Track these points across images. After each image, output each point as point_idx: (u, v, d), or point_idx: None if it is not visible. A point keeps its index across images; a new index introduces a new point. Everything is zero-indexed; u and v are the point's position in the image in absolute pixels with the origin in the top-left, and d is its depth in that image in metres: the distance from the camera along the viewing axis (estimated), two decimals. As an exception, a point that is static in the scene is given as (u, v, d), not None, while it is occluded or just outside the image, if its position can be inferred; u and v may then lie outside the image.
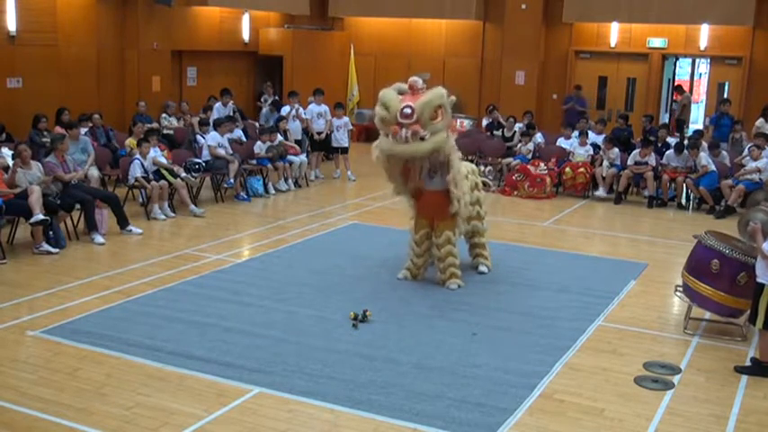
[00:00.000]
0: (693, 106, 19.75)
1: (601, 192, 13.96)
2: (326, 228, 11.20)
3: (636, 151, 13.79)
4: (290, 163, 14.07)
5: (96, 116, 13.58)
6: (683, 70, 20.72)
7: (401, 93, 8.08)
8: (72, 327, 7.08)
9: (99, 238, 10.03)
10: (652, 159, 13.64)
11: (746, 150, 13.43)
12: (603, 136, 14.83)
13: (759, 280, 6.55)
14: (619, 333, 7.42)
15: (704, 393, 6.19)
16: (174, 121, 15.54)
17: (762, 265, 6.50)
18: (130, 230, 10.51)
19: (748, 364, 6.75)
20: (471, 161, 15.08)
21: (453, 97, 8.07)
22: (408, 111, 7.76)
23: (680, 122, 18.38)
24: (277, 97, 17.49)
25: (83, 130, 12.69)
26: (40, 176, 9.78)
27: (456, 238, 8.50)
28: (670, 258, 10.11)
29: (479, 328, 7.38)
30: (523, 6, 18.44)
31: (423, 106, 7.77)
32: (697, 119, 19.87)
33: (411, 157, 8.00)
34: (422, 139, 7.80)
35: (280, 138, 14.01)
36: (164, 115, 15.53)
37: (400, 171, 8.31)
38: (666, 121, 18.62)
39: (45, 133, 12.32)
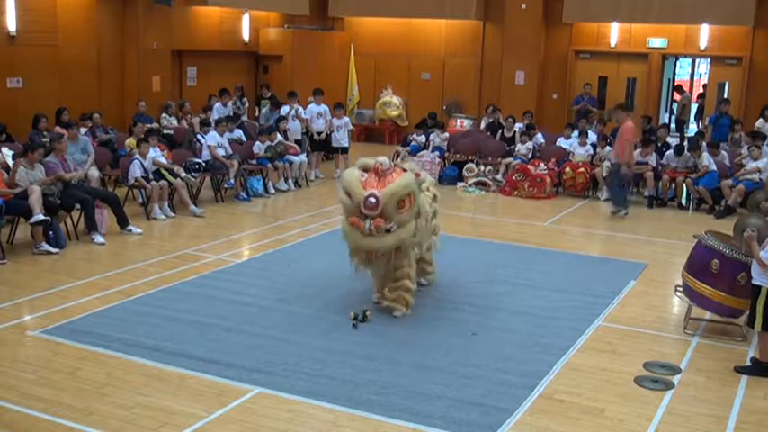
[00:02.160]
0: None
1: (605, 192, 13.97)
2: (326, 228, 11.19)
3: (637, 151, 13.79)
4: (290, 163, 14.07)
5: (96, 116, 13.58)
6: (683, 70, 20.74)
7: (365, 169, 7.34)
8: (72, 327, 7.08)
9: (99, 238, 10.03)
10: (652, 159, 13.65)
11: (746, 150, 13.44)
12: (598, 135, 14.87)
13: (755, 282, 6.57)
14: (619, 333, 7.42)
15: (704, 393, 6.19)
16: (174, 121, 15.54)
17: (757, 267, 6.53)
18: (130, 230, 10.51)
19: (748, 364, 6.75)
20: (471, 161, 15.16)
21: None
22: (373, 201, 7.01)
23: (680, 122, 18.41)
24: (269, 94, 17.43)
25: (83, 130, 12.71)
26: (41, 177, 9.78)
27: (414, 263, 7.76)
28: (670, 258, 10.10)
29: (479, 328, 7.38)
30: (523, 6, 18.44)
31: (389, 197, 7.02)
32: (692, 120, 19.84)
33: (373, 251, 7.28)
34: (387, 231, 7.11)
35: (279, 138, 14.02)
36: (164, 115, 15.54)
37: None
38: (666, 120, 18.65)
39: (45, 133, 12.32)
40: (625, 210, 12.72)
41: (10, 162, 10.49)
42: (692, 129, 18.87)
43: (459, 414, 5.63)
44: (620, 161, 12.52)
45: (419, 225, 7.42)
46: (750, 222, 6.98)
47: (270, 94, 17.07)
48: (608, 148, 14.16)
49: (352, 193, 7.20)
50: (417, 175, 7.36)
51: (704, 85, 19.30)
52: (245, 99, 16.85)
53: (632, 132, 12.57)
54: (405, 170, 7.37)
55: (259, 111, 17.43)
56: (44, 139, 11.16)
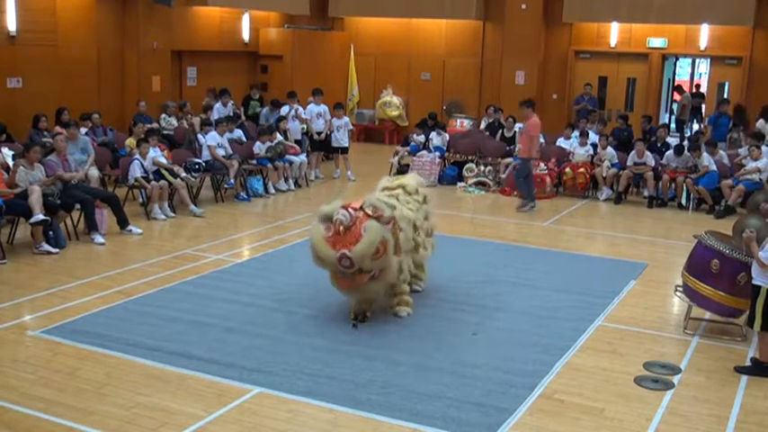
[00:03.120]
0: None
1: (605, 192, 13.99)
2: (326, 228, 11.18)
3: (633, 152, 13.82)
4: (290, 163, 14.08)
5: (96, 116, 13.59)
6: (683, 70, 20.73)
7: (328, 220, 6.99)
8: (72, 327, 7.08)
9: (99, 238, 10.03)
10: (651, 159, 13.65)
11: (744, 150, 13.45)
12: (597, 134, 14.87)
13: (755, 282, 6.57)
14: (619, 333, 7.42)
15: (704, 393, 6.19)
16: (174, 121, 15.53)
17: (757, 267, 6.54)
18: (130, 230, 10.51)
19: (748, 364, 6.75)
20: (471, 161, 15.16)
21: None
22: (347, 263, 6.83)
23: (680, 122, 18.40)
24: (258, 95, 17.22)
25: (83, 130, 12.71)
26: (41, 177, 9.78)
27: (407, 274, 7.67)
28: (670, 258, 10.11)
29: (479, 328, 7.38)
30: (523, 6, 18.45)
31: (361, 257, 6.79)
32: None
33: (369, 298, 7.36)
34: (372, 278, 7.00)
35: (279, 138, 14.02)
36: (163, 115, 15.53)
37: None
38: (666, 120, 18.64)
39: (45, 133, 12.32)
40: (532, 203, 12.91)
41: (10, 162, 10.49)
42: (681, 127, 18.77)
43: (459, 414, 5.63)
44: (526, 156, 12.88)
45: (403, 237, 7.30)
46: (749, 223, 6.99)
47: (258, 96, 16.89)
48: (609, 148, 14.18)
49: (324, 257, 6.96)
50: (379, 216, 6.95)
51: (697, 86, 19.31)
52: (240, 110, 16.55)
53: (537, 128, 12.82)
54: (368, 214, 6.94)
55: (245, 111, 17.10)
56: (45, 140, 11.16)
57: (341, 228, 6.87)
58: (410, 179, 8.28)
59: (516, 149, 14.32)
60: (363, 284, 7.04)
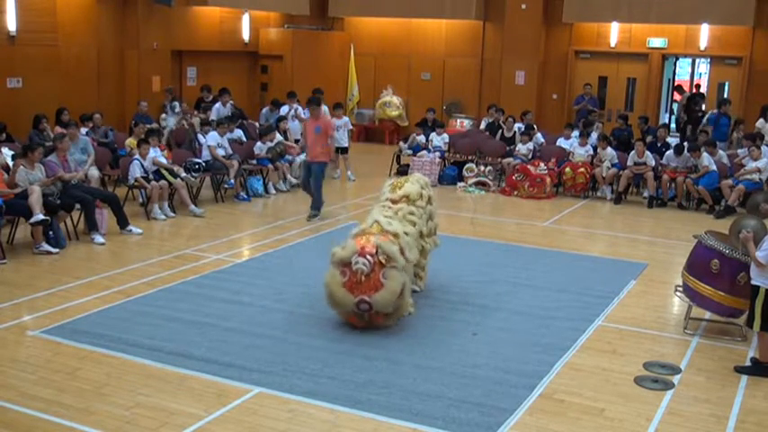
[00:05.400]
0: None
1: (605, 192, 14.00)
2: (326, 228, 11.20)
3: (633, 152, 13.82)
4: (290, 163, 14.08)
5: (97, 116, 13.59)
6: (683, 70, 20.73)
7: (343, 263, 6.94)
8: (72, 327, 7.08)
9: (99, 238, 10.03)
10: (651, 159, 13.65)
11: (744, 151, 13.44)
12: (597, 134, 14.86)
13: (754, 282, 6.57)
14: (619, 333, 7.42)
15: (704, 393, 6.19)
16: (172, 122, 15.47)
17: (755, 268, 6.54)
18: (130, 230, 10.51)
19: (748, 364, 6.75)
20: (471, 161, 15.17)
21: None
22: (366, 308, 6.86)
23: (680, 123, 18.38)
24: (210, 97, 16.25)
25: (83, 130, 12.71)
26: (41, 177, 9.78)
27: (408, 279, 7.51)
28: (670, 258, 10.11)
29: (479, 328, 7.38)
30: (523, 6, 18.45)
31: (384, 305, 6.85)
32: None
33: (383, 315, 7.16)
34: (386, 315, 7.07)
35: (279, 137, 14.03)
36: (163, 115, 15.51)
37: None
38: (666, 120, 18.63)
39: (45, 134, 12.32)
40: (318, 213, 11.64)
41: (10, 162, 10.49)
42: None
43: (459, 414, 5.63)
44: (326, 159, 11.73)
45: (406, 242, 7.29)
46: (746, 224, 6.99)
47: (211, 97, 15.91)
48: (609, 148, 14.17)
49: (343, 304, 6.93)
50: (394, 266, 6.91)
51: (697, 86, 19.31)
52: (175, 103, 15.52)
53: (333, 127, 12.21)
54: (381, 262, 6.86)
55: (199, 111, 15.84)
56: (48, 143, 11.13)
57: (362, 277, 6.83)
58: (413, 185, 8.07)
59: (304, 153, 12.60)
60: (377, 322, 7.10)
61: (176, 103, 15.44)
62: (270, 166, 13.56)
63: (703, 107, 17.36)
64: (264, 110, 16.42)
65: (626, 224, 12.33)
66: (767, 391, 6.29)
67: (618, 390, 6.17)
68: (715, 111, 16.08)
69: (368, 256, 6.86)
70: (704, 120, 16.23)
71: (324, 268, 9.01)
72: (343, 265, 6.97)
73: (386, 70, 20.68)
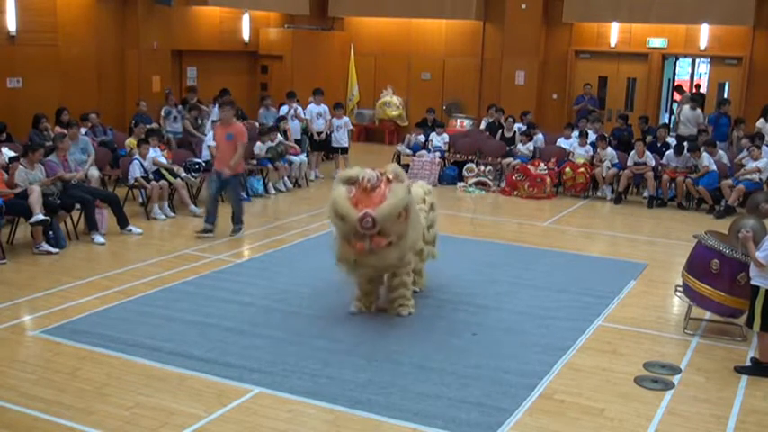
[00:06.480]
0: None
1: (605, 192, 14.00)
2: (326, 228, 11.18)
3: (633, 152, 13.82)
4: (290, 163, 14.08)
5: (93, 115, 13.57)
6: (683, 70, 20.72)
7: (350, 182, 7.08)
8: (72, 327, 7.08)
9: (99, 238, 10.03)
10: (651, 159, 13.65)
11: (745, 150, 13.44)
12: (597, 135, 14.87)
13: (753, 282, 6.57)
14: (619, 333, 7.42)
15: (704, 393, 6.19)
16: (179, 126, 15.41)
17: (755, 268, 6.55)
18: (130, 230, 10.51)
19: (748, 364, 6.75)
20: (471, 161, 15.17)
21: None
22: (369, 222, 6.79)
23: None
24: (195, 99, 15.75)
25: (83, 130, 12.71)
26: (41, 177, 9.78)
27: (411, 271, 7.70)
28: (670, 258, 10.11)
29: (479, 328, 7.38)
30: (523, 6, 18.45)
31: (385, 217, 6.82)
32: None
33: (381, 267, 7.26)
34: (389, 244, 6.95)
35: (280, 138, 14.03)
36: (169, 121, 15.43)
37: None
38: (666, 120, 18.62)
39: (45, 134, 12.31)
40: (212, 228, 10.48)
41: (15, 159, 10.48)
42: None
43: (459, 414, 5.63)
44: (240, 171, 10.82)
45: (413, 236, 7.32)
46: (745, 223, 6.99)
47: (195, 99, 15.51)
48: (608, 148, 14.17)
49: (346, 217, 6.92)
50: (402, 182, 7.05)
51: (697, 86, 19.31)
52: (179, 107, 14.96)
53: (245, 135, 10.75)
54: (389, 179, 7.07)
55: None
56: (48, 143, 11.12)
57: (368, 185, 6.91)
58: (416, 189, 8.04)
59: (210, 163, 11.37)
60: (379, 250, 6.95)
61: (178, 108, 15.12)
62: (270, 166, 13.56)
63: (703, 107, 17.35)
64: (261, 110, 16.41)
65: (626, 224, 12.33)
66: (767, 391, 6.29)
67: (618, 390, 6.17)
68: (715, 112, 16.09)
69: (376, 171, 7.04)
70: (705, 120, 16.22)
71: (324, 268, 9.05)
72: (349, 182, 7.06)
73: (386, 70, 20.68)
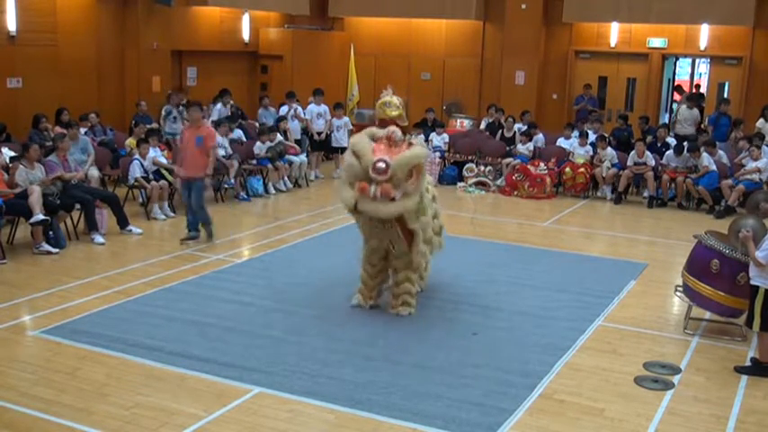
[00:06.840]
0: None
1: (605, 192, 14.00)
2: (326, 228, 11.20)
3: (633, 152, 13.83)
4: (290, 163, 14.08)
5: (93, 115, 13.57)
6: (683, 70, 20.72)
7: (374, 139, 7.27)
8: (72, 327, 7.08)
9: (99, 238, 10.03)
10: (651, 159, 13.65)
11: (745, 151, 13.44)
12: (597, 135, 14.87)
13: (753, 282, 6.57)
14: (619, 333, 7.42)
15: (704, 393, 6.19)
16: (179, 126, 15.41)
17: (754, 268, 6.54)
18: (130, 230, 10.51)
19: (748, 364, 6.75)
20: (471, 161, 15.17)
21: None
22: (382, 166, 6.91)
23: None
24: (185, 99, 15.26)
25: (83, 130, 12.71)
26: (41, 177, 9.78)
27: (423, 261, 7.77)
28: (670, 258, 10.11)
29: (479, 328, 7.38)
30: (523, 6, 18.43)
31: (399, 166, 6.95)
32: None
33: (376, 216, 7.17)
34: (392, 199, 6.97)
35: (279, 137, 14.03)
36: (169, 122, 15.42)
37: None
38: (666, 120, 18.62)
39: (45, 134, 12.32)
40: (198, 235, 10.14)
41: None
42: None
43: (459, 414, 5.63)
44: (209, 173, 10.17)
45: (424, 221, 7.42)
46: (745, 223, 6.98)
47: (185, 100, 14.92)
48: (608, 148, 14.18)
49: (362, 156, 7.06)
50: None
51: (697, 86, 19.31)
52: (180, 108, 14.42)
53: (215, 137, 10.34)
54: (411, 143, 7.37)
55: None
56: (48, 143, 11.12)
57: (393, 137, 7.19)
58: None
59: (177, 168, 10.40)
60: (384, 202, 6.94)
61: (179, 108, 15.10)
62: (270, 166, 13.56)
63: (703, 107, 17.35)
64: (260, 110, 16.41)
65: (626, 224, 12.33)
66: (767, 391, 6.29)
67: (618, 390, 6.17)
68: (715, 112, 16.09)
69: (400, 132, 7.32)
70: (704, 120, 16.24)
71: (324, 269, 9.05)
72: (373, 138, 7.28)
73: (386, 70, 20.65)
